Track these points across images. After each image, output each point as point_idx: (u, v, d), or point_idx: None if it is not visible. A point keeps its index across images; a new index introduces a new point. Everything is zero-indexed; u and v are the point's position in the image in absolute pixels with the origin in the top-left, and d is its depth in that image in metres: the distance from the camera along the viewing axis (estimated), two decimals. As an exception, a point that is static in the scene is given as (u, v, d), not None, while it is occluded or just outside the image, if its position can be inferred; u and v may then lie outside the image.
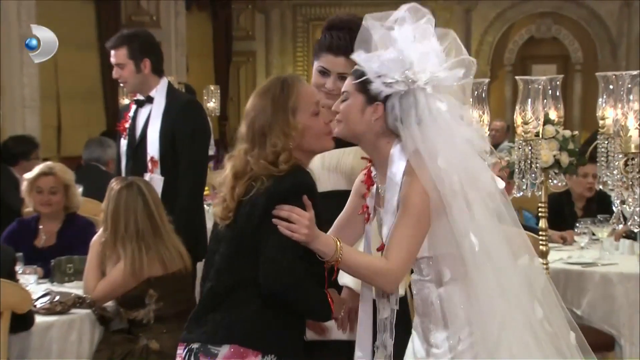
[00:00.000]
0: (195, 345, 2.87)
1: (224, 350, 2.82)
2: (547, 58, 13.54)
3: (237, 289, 2.85)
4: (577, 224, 5.58)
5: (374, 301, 3.08)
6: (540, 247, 4.53)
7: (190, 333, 2.90)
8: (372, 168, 2.98)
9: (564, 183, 4.70)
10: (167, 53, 10.78)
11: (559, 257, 5.33)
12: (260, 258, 2.81)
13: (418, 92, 2.77)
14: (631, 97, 3.29)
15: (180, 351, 2.90)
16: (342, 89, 2.93)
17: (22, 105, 8.51)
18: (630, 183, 3.28)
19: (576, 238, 5.58)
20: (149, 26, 11.01)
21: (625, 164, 3.43)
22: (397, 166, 2.82)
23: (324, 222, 2.98)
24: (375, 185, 2.98)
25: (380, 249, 2.89)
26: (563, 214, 6.11)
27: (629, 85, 3.30)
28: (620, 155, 3.31)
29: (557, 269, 5.07)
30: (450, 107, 2.81)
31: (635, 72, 3.34)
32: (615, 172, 3.36)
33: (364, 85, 2.81)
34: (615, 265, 5.12)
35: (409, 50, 2.78)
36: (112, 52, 5.02)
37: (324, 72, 3.50)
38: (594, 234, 5.46)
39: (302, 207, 2.80)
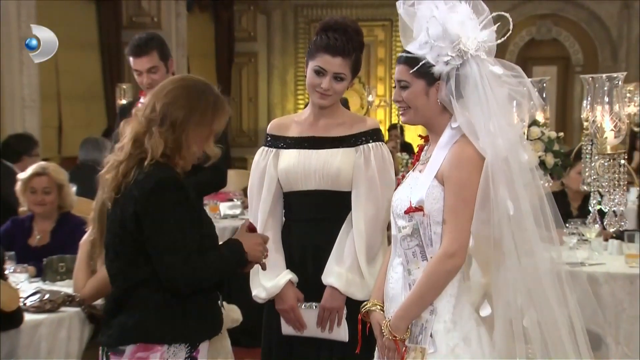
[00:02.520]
0: (106, 347, 3.01)
1: (130, 348, 2.94)
2: (548, 60, 13.53)
3: (134, 290, 2.96)
4: (567, 225, 5.60)
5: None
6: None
7: (102, 336, 3.05)
8: (424, 146, 3.12)
9: (550, 183, 4.74)
10: (167, 54, 10.87)
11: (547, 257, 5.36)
12: (150, 252, 2.91)
13: (472, 61, 2.90)
14: (606, 99, 3.32)
15: (100, 352, 3.05)
16: (397, 78, 3.03)
17: (22, 105, 8.56)
18: (606, 183, 3.32)
19: (565, 238, 5.61)
20: (149, 27, 11.06)
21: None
22: (449, 137, 2.96)
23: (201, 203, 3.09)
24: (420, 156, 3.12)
25: (408, 211, 2.98)
26: (557, 215, 6.13)
27: (605, 88, 3.33)
28: (597, 157, 3.34)
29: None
30: (505, 69, 2.97)
31: (615, 75, 3.38)
32: (592, 172, 3.39)
33: (421, 71, 2.93)
34: (602, 265, 5.16)
35: (449, 23, 2.90)
36: (143, 59, 4.87)
37: (320, 72, 3.53)
38: (582, 235, 5.49)
39: (172, 199, 2.89)
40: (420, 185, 2.96)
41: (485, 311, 2.95)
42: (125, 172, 2.94)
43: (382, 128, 3.66)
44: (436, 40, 2.90)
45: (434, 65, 2.92)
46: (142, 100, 5.06)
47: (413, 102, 2.99)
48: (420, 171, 3.04)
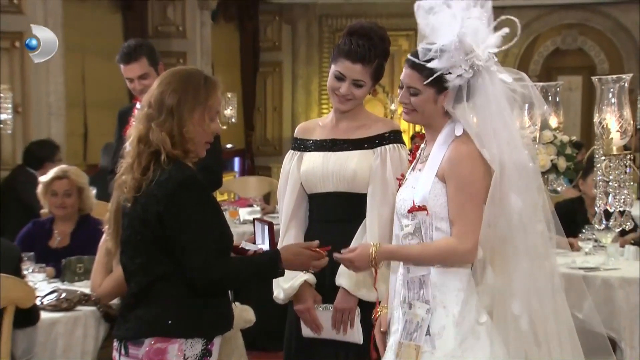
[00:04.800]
0: (124, 340, 3.07)
1: (149, 340, 3.00)
2: (573, 69, 13.48)
3: (152, 285, 3.02)
4: (583, 230, 5.62)
5: None
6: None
7: (119, 329, 3.11)
8: (421, 145, 3.15)
9: (563, 187, 4.75)
10: (192, 63, 10.96)
11: (564, 262, 5.37)
12: (177, 256, 2.98)
13: (484, 71, 2.95)
14: (613, 101, 3.33)
15: (116, 344, 3.12)
16: (407, 84, 3.04)
17: (48, 112, 8.63)
18: (612, 184, 3.33)
19: (581, 244, 5.62)
20: (174, 36, 11.18)
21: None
22: (448, 134, 3.01)
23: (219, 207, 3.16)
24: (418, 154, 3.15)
25: (411, 210, 3.01)
26: (575, 221, 6.13)
27: (612, 89, 3.35)
28: (603, 157, 3.36)
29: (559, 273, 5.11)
30: (513, 75, 3.02)
31: (623, 76, 3.39)
32: (598, 173, 3.41)
33: (433, 82, 2.96)
34: (617, 270, 5.16)
35: (464, 34, 2.93)
36: (133, 66, 4.94)
37: (339, 77, 3.57)
38: (598, 241, 5.50)
39: (195, 199, 2.97)
40: (422, 184, 3.00)
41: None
42: (142, 170, 3.01)
43: (405, 138, 3.66)
44: (451, 52, 2.92)
45: (448, 80, 2.95)
46: (138, 105, 5.14)
47: (421, 108, 3.02)
48: (420, 170, 3.07)
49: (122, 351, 3.06)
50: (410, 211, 3.00)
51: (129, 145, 3.09)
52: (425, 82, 2.97)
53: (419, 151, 3.15)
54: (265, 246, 3.20)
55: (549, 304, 3.00)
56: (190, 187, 2.98)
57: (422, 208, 2.98)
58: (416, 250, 3.00)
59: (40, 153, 7.36)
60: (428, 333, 2.96)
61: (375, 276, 3.16)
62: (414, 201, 2.99)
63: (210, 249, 2.98)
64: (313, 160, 3.66)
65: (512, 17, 3.02)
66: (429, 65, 2.95)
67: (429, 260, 2.99)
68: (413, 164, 3.17)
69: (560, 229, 3.16)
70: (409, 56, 3.06)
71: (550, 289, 3.02)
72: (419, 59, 2.99)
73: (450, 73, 2.94)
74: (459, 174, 2.93)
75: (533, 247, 2.97)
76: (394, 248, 3.10)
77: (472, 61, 2.92)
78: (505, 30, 3.00)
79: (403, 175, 3.19)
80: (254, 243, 3.24)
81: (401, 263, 3.08)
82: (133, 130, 3.07)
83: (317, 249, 3.16)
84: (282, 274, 3.16)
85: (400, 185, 3.17)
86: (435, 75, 2.94)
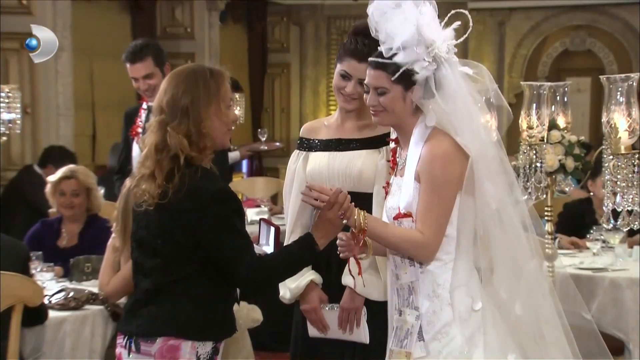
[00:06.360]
0: (135, 336, 3.04)
1: (160, 340, 2.99)
2: (582, 71, 13.43)
3: (170, 285, 3.02)
4: (591, 230, 5.61)
5: None
6: (547, 250, 4.58)
7: (128, 325, 3.09)
8: (397, 148, 3.14)
9: (571, 188, 4.75)
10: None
11: (572, 262, 5.37)
12: (216, 261, 3.00)
13: (445, 63, 2.95)
14: (621, 100, 3.32)
15: (121, 340, 3.09)
16: (374, 85, 3.04)
17: (57, 113, 8.67)
18: (620, 183, 3.33)
19: (589, 244, 5.62)
20: (183, 37, 11.20)
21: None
22: (420, 134, 2.99)
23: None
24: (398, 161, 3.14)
25: (396, 217, 3.01)
26: (583, 222, 6.13)
27: (620, 88, 3.34)
28: (611, 157, 3.35)
29: (567, 273, 5.10)
30: (472, 69, 3.03)
31: (631, 75, 3.38)
32: (605, 172, 3.41)
33: (400, 77, 2.95)
34: (625, 270, 5.15)
35: (421, 27, 2.93)
36: (138, 65, 5.01)
37: (345, 76, 3.56)
38: (606, 242, 5.50)
39: (228, 210, 2.99)
40: (404, 190, 3.00)
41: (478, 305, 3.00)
42: (166, 177, 2.99)
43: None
44: (413, 46, 2.93)
45: (415, 73, 2.94)
46: (144, 106, 5.16)
47: (391, 107, 3.01)
48: (401, 176, 3.07)
49: (133, 348, 3.04)
50: (395, 218, 3.01)
51: (143, 156, 3.07)
52: (392, 79, 2.96)
53: (398, 157, 3.15)
54: (270, 248, 3.21)
55: (542, 307, 3.01)
56: (223, 199, 3.00)
57: (408, 215, 2.98)
58: (389, 229, 3.00)
59: (50, 153, 7.43)
60: (421, 339, 2.97)
61: (355, 265, 3.12)
62: (399, 208, 3.00)
63: (250, 254, 3.01)
64: (319, 160, 3.67)
65: (463, 10, 3.01)
66: (394, 60, 2.95)
67: (393, 243, 2.99)
68: (394, 170, 3.17)
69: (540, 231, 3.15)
70: (371, 58, 3.06)
71: (539, 292, 3.03)
72: (382, 58, 3.00)
73: (414, 68, 2.94)
74: (430, 174, 2.93)
75: (513, 244, 2.97)
76: (376, 218, 3.09)
77: (434, 53, 2.93)
78: (457, 23, 2.99)
79: (388, 183, 3.19)
80: (257, 242, 3.24)
81: (389, 270, 3.09)
82: (148, 139, 3.05)
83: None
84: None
85: (387, 193, 3.17)
86: (402, 70, 2.94)
